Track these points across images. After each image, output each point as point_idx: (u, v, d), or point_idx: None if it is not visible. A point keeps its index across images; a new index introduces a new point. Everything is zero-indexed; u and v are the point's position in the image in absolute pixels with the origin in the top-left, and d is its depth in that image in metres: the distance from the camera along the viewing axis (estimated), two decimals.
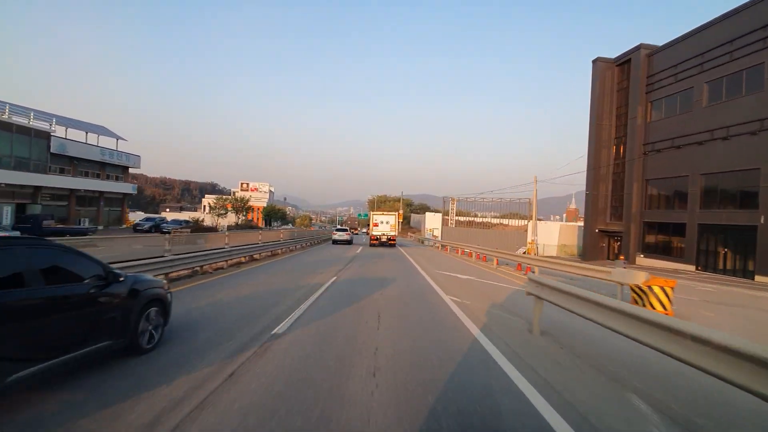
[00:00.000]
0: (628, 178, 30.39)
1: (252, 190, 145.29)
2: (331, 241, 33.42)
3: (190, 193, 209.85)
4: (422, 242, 41.77)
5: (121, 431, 2.70)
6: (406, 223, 72.27)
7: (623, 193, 31.01)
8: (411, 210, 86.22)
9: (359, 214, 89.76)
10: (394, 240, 30.63)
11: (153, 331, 4.54)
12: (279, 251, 19.89)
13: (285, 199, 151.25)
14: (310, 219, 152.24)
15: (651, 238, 29.19)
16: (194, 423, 2.83)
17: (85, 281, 3.66)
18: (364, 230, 67.12)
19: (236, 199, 53.61)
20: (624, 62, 32.16)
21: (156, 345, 4.55)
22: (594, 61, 33.31)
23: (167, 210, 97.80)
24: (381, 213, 33.04)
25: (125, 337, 4.07)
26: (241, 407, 3.11)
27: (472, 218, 48.41)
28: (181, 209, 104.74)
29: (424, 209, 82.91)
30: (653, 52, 29.66)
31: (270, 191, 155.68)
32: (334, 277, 11.60)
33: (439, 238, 40.69)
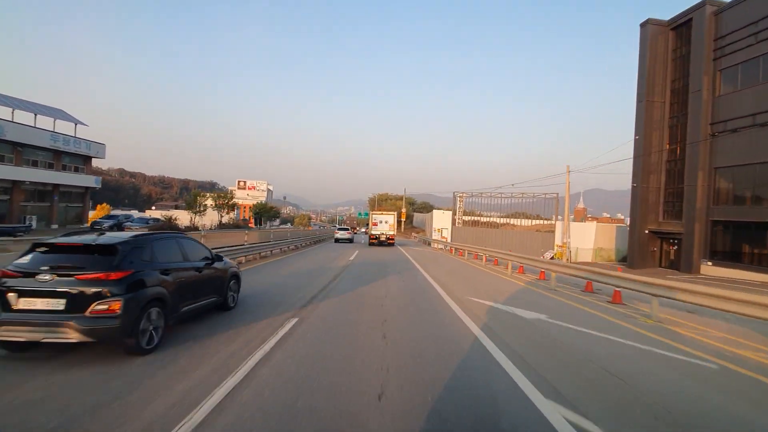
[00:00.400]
0: (689, 167, 24.04)
1: (249, 189, 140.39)
2: (324, 242, 33.34)
3: (189, 191, 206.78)
4: (428, 243, 37.28)
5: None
6: (408, 223, 67.61)
7: (683, 186, 24.70)
8: (414, 209, 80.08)
9: (359, 213, 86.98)
10: (393, 239, 30.71)
11: (234, 295, 7.20)
12: (242, 259, 15.15)
13: (285, 198, 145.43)
14: (309, 218, 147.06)
15: (722, 242, 22.83)
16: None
17: (202, 259, 6.18)
18: (363, 230, 64.73)
19: (219, 196, 47.43)
20: (681, 24, 25.72)
21: (236, 306, 7.19)
22: (642, 25, 27.00)
23: (152, 208, 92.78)
24: (380, 213, 32.74)
25: (222, 297, 6.62)
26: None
27: (477, 218, 42.36)
28: (176, 207, 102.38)
29: (427, 208, 78.24)
30: (722, 8, 23.31)
31: (268, 189, 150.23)
32: (294, 320, 6.45)
33: (449, 240, 37.02)
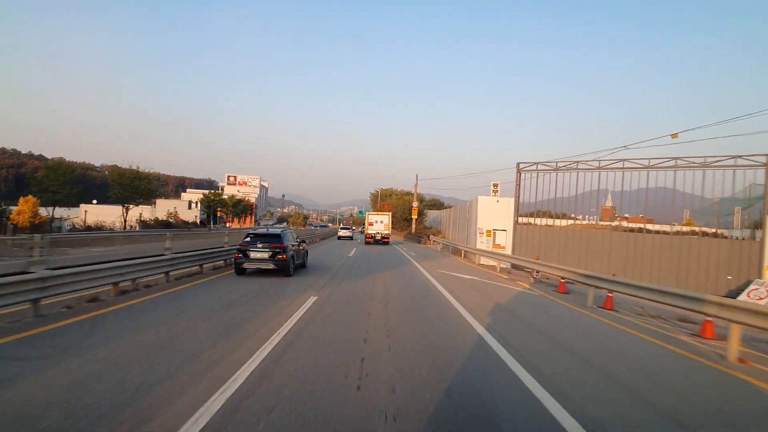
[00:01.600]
0: None
1: (240, 184, 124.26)
2: (313, 243, 34.89)
3: (184, 189, 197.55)
4: (461, 254, 25.25)
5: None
6: (420, 222, 52.15)
7: None
8: (423, 206, 64.15)
9: (359, 212, 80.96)
10: (388, 238, 33.85)
11: (307, 261, 15.41)
12: None
13: (283, 196, 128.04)
14: (306, 218, 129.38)
15: None
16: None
17: (297, 241, 14.36)
18: (359, 229, 63.92)
19: (121, 175, 29.90)
20: None
21: (306, 267, 15.08)
22: None
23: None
24: (376, 213, 35.75)
25: (303, 261, 14.72)
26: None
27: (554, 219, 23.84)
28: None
29: (437, 206, 63.07)
30: None
31: (261, 185, 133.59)
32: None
33: (508, 249, 21.92)
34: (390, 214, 36.77)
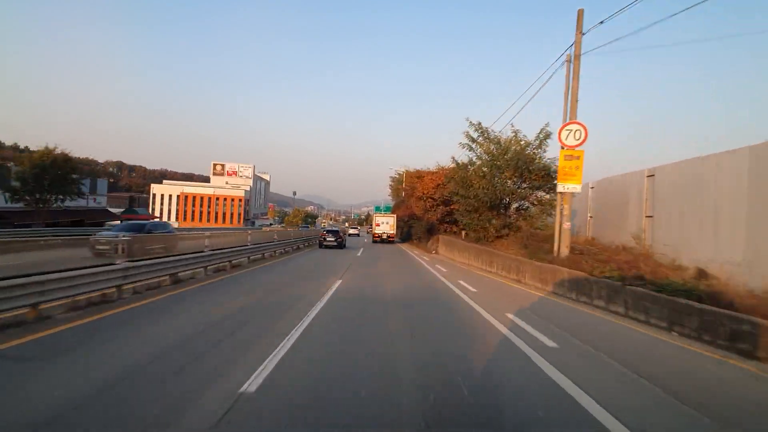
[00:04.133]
0: None
1: (229, 174, 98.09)
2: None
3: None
4: None
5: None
6: (541, 214, 18.78)
7: None
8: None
9: (376, 207, 67.64)
10: (393, 237, 39.16)
11: (345, 243, 32.76)
12: None
13: (294, 193, 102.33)
14: (307, 216, 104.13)
15: None
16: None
17: (342, 233, 35.75)
18: (366, 229, 68.63)
19: None
20: None
21: (345, 246, 31.21)
22: None
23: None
24: (382, 215, 41.05)
25: (343, 242, 32.00)
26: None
27: None
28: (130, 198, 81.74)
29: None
30: None
31: (260, 178, 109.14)
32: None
33: None
34: (395, 216, 39.51)
